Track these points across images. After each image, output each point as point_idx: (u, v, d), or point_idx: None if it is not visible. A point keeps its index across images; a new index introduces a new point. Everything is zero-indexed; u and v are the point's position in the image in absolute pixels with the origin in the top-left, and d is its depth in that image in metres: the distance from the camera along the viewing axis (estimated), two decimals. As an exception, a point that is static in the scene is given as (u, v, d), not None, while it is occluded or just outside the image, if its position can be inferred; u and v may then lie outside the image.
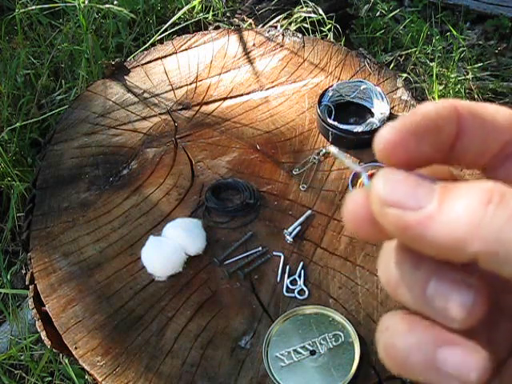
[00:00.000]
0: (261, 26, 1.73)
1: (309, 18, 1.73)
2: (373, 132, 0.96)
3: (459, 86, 1.75)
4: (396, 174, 0.24)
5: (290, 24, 1.74)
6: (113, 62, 1.16)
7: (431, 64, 1.82)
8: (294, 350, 0.72)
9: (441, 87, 1.75)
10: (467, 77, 1.80)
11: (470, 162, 0.27)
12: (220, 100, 1.10)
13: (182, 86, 1.13)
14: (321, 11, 1.72)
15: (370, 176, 0.25)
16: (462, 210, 0.21)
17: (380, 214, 0.23)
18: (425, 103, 0.26)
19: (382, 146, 0.25)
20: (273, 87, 1.12)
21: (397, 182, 0.23)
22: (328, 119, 0.98)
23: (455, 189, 0.22)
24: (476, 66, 1.87)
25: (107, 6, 1.65)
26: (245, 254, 0.84)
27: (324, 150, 0.98)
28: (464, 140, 0.26)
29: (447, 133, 0.25)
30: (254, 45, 1.21)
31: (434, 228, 0.21)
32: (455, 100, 0.26)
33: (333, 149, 0.28)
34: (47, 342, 0.78)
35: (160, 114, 1.07)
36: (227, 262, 0.83)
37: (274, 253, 0.84)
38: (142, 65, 1.18)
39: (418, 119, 0.25)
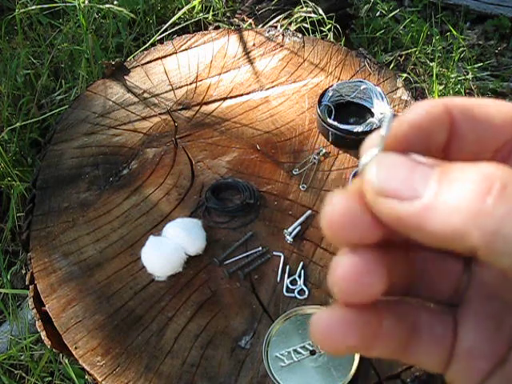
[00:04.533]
0: (261, 26, 1.73)
1: (309, 17, 1.73)
2: (373, 132, 0.96)
3: (459, 86, 1.75)
4: (390, 158, 0.23)
5: (290, 24, 1.74)
6: (113, 62, 1.16)
7: (431, 64, 1.82)
8: (294, 350, 0.72)
9: (441, 87, 1.75)
10: (467, 77, 1.80)
11: (467, 159, 0.25)
12: (220, 100, 1.10)
13: (181, 86, 1.13)
14: (321, 11, 1.72)
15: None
16: (459, 201, 0.20)
17: (375, 204, 0.22)
18: (415, 105, 0.25)
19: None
20: (273, 87, 1.12)
21: (391, 168, 0.22)
22: (328, 119, 0.98)
23: (454, 173, 0.21)
24: (476, 65, 1.87)
25: (107, 5, 1.65)
26: (245, 254, 0.84)
27: (324, 150, 0.98)
28: (457, 141, 0.25)
29: (438, 137, 0.25)
30: (253, 45, 1.21)
31: (431, 219, 0.21)
32: (448, 100, 0.25)
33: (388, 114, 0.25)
34: (47, 342, 0.78)
35: (160, 113, 1.07)
36: (227, 262, 0.83)
37: (274, 253, 0.84)
38: (142, 65, 1.18)
39: (405, 128, 0.24)
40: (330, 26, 1.72)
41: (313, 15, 1.72)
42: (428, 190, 0.21)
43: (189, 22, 1.77)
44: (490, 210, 0.20)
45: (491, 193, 0.20)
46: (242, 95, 1.10)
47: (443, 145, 0.25)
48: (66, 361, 1.13)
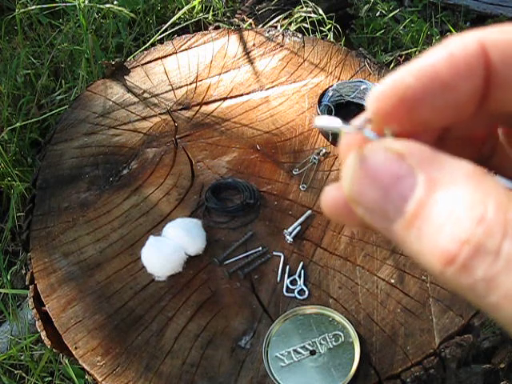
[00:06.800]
0: (261, 26, 1.73)
1: (309, 17, 1.73)
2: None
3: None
4: (369, 168, 0.19)
5: (290, 24, 1.74)
6: (113, 62, 1.16)
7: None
8: (294, 350, 0.72)
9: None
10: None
11: (509, 111, 0.21)
12: (220, 100, 1.10)
13: (181, 86, 1.13)
14: (321, 11, 1.72)
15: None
16: (424, 250, 0.18)
17: (350, 204, 0.21)
18: (440, 45, 0.20)
19: (371, 117, 0.21)
20: (273, 87, 1.11)
21: (366, 185, 0.19)
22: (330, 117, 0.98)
23: (429, 213, 0.18)
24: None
25: (107, 5, 1.65)
26: (245, 254, 0.84)
27: (324, 150, 0.98)
28: (496, 90, 0.20)
29: (468, 87, 0.20)
30: (253, 45, 1.21)
31: (399, 239, 0.19)
32: (483, 35, 0.19)
33: (318, 122, 0.22)
34: (47, 342, 0.78)
35: (160, 114, 1.07)
36: (227, 262, 0.83)
37: (274, 253, 0.84)
38: (142, 65, 1.18)
39: (410, 82, 0.19)
40: (330, 26, 1.72)
41: (313, 15, 1.72)
42: (399, 220, 0.19)
43: (189, 22, 1.77)
44: (450, 279, 0.18)
45: (455, 261, 0.17)
46: (242, 95, 1.10)
47: (478, 97, 0.20)
48: (66, 361, 1.13)
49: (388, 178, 0.19)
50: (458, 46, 0.20)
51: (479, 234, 0.17)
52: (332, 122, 0.21)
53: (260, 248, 0.85)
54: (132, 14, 1.65)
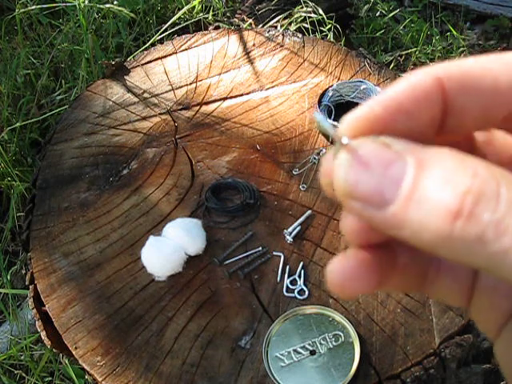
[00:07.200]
0: (261, 26, 1.73)
1: (309, 17, 1.73)
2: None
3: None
4: (362, 156, 0.21)
5: (290, 24, 1.74)
6: (113, 62, 1.16)
7: (431, 64, 1.82)
8: (294, 350, 0.72)
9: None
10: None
11: (470, 130, 0.24)
12: (220, 100, 1.10)
13: (182, 86, 1.13)
14: (321, 11, 1.72)
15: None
16: (428, 218, 0.19)
17: (345, 204, 0.22)
18: (401, 80, 0.23)
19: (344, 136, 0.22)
20: (273, 87, 1.11)
21: (361, 171, 0.20)
22: (328, 119, 0.98)
23: (427, 180, 0.19)
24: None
25: (107, 5, 1.65)
26: (245, 254, 0.84)
27: (324, 150, 0.98)
28: (455, 117, 0.23)
29: (427, 116, 0.22)
30: (253, 45, 1.21)
31: (398, 228, 0.20)
32: (441, 69, 0.22)
33: (317, 115, 0.23)
34: (47, 342, 0.78)
35: (160, 114, 1.07)
36: (227, 262, 0.83)
37: (274, 253, 0.84)
38: (142, 65, 1.18)
39: (379, 111, 0.22)
40: (330, 26, 1.72)
41: (313, 15, 1.72)
42: (397, 199, 0.20)
43: (189, 22, 1.76)
44: (458, 237, 0.18)
45: (461, 215, 0.18)
46: (242, 95, 1.10)
47: (437, 123, 0.23)
48: (66, 361, 1.13)
49: (380, 163, 0.20)
50: (418, 81, 0.22)
51: (477, 183, 0.19)
52: (327, 124, 0.23)
53: (260, 248, 0.85)
54: (132, 14, 1.65)
